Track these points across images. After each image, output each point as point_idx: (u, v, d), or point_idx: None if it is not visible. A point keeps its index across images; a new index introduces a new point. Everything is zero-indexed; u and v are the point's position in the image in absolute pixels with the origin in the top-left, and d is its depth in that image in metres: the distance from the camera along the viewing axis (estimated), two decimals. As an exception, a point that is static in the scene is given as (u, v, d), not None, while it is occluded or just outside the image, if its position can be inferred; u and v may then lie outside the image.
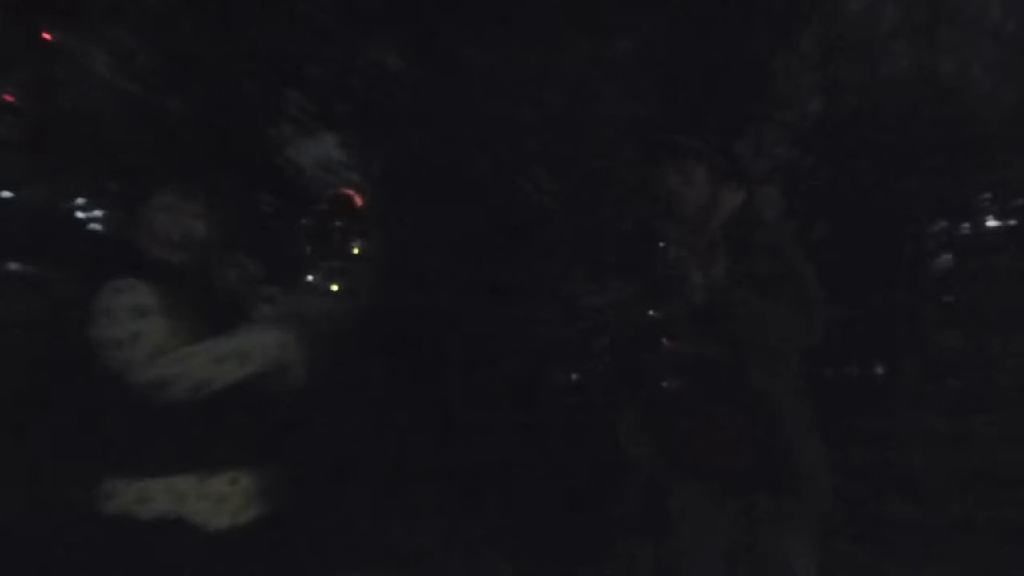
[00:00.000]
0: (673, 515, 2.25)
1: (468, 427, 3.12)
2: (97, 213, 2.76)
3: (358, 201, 3.06)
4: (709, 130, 2.27)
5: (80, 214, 2.85)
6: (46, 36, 3.02)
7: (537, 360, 3.35)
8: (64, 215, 2.86)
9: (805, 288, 2.15)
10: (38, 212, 2.99)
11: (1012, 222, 3.49)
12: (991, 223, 3.38)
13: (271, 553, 2.26)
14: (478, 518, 3.12)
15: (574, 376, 3.43)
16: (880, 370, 3.50)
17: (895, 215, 3.32)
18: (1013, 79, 3.56)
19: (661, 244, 2.25)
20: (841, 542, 3.09)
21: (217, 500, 2.15)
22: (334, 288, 2.96)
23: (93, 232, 2.79)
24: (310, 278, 3.03)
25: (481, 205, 3.24)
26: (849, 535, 3.16)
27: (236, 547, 2.16)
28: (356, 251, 3.02)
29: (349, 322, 2.60)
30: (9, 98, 3.13)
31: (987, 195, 3.39)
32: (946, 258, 3.36)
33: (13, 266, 3.09)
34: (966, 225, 3.33)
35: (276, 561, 2.27)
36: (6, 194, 3.13)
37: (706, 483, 2.22)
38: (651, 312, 2.25)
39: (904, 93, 3.36)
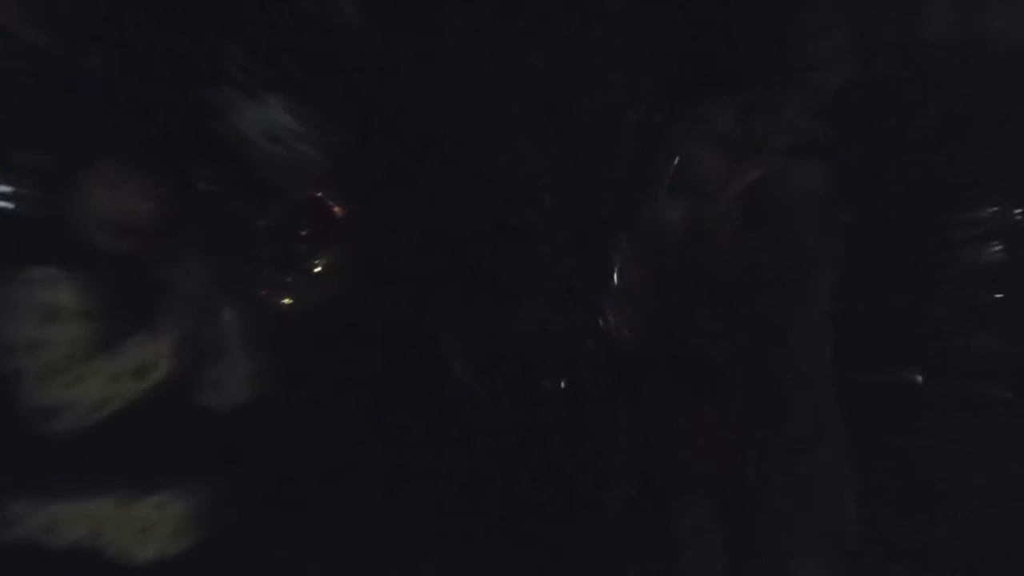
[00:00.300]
0: (672, 518, 2.26)
1: (465, 429, 3.00)
2: (7, 189, 2.51)
3: (335, 211, 2.79)
4: (721, 97, 2.13)
5: (-15, 191, 2.58)
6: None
7: (535, 361, 3.13)
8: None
9: (814, 273, 2.02)
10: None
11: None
12: (1049, 209, 3.13)
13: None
14: (474, 521, 2.99)
15: (572, 377, 3.26)
16: (910, 374, 3.29)
17: (934, 198, 3.07)
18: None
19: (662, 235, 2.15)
20: (852, 550, 2.86)
21: (142, 529, 1.97)
22: (287, 302, 2.72)
23: (4, 212, 2.55)
24: (268, 284, 2.77)
25: (469, 195, 3.03)
26: (861, 544, 2.90)
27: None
28: (318, 270, 2.75)
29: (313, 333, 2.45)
30: None
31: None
32: (995, 248, 3.15)
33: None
34: (1018, 211, 3.11)
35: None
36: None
37: (707, 486, 2.23)
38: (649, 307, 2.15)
39: (948, 56, 3.08)
